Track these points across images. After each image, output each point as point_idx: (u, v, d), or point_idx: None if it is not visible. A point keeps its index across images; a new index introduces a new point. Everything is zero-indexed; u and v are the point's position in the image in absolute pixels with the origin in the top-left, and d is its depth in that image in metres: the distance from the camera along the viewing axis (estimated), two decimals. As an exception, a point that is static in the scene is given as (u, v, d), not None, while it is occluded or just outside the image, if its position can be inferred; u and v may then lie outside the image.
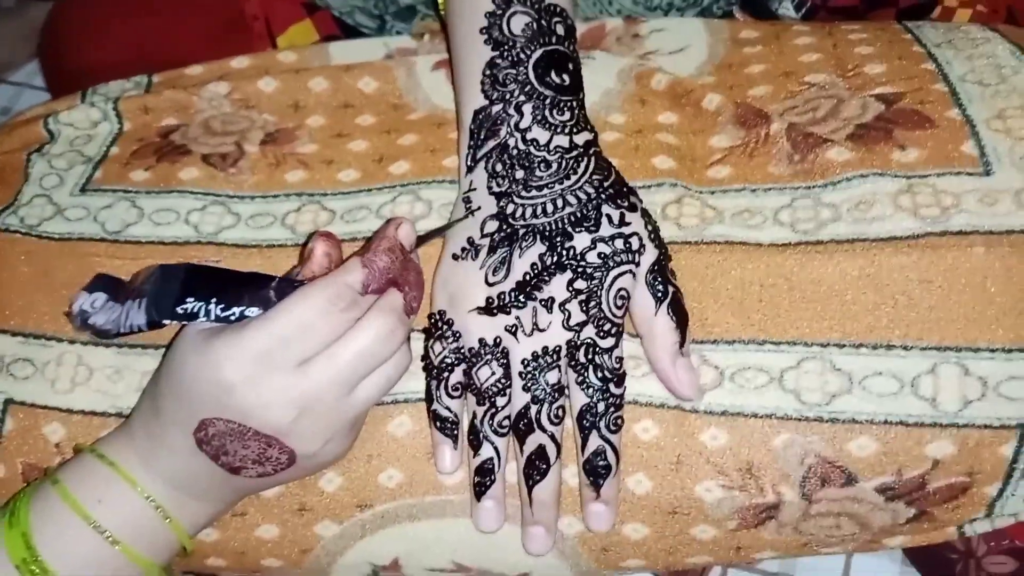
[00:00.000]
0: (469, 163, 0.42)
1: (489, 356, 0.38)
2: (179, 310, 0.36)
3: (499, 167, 0.41)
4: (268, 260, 0.44)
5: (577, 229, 0.39)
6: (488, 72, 0.42)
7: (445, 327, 0.39)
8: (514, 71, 0.41)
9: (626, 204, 0.39)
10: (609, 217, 0.39)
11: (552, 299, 0.38)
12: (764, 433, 0.38)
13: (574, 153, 0.40)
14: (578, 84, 0.42)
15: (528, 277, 0.38)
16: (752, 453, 0.38)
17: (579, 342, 0.38)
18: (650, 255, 0.39)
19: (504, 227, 0.40)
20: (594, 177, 0.40)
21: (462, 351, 0.39)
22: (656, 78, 0.48)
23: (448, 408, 0.39)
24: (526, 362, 0.38)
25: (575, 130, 0.41)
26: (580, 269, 0.38)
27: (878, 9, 0.57)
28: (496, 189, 0.40)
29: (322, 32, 0.64)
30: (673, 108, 0.47)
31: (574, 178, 0.40)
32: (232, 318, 0.36)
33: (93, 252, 0.45)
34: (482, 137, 0.41)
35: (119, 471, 0.37)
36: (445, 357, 0.39)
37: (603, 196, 0.39)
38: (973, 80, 0.43)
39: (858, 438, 0.37)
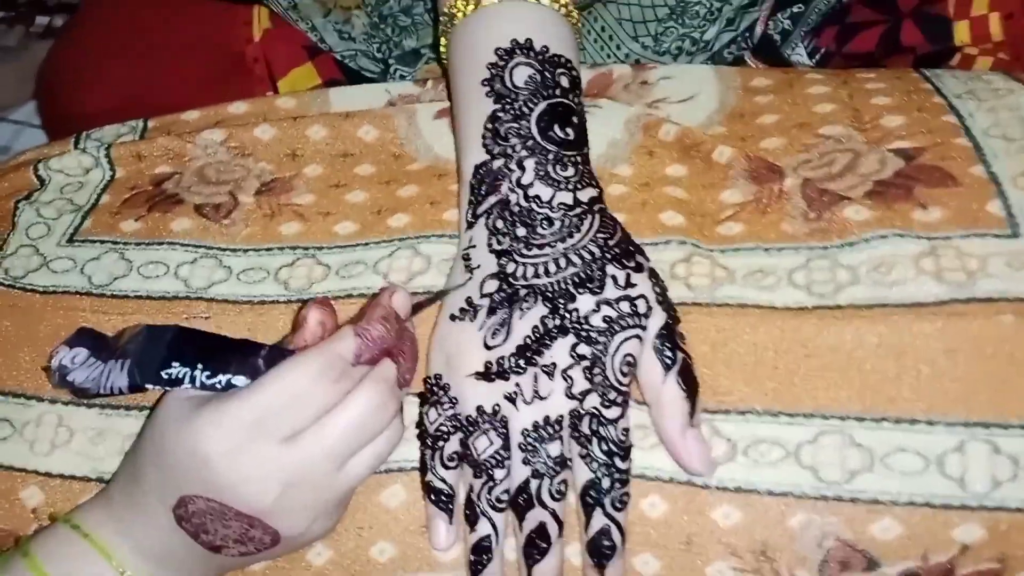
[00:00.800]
0: (469, 219, 0.40)
1: (487, 425, 0.36)
2: (163, 375, 0.34)
3: (500, 224, 0.39)
4: (259, 317, 0.42)
5: (580, 290, 0.37)
6: (489, 126, 0.40)
7: (441, 392, 0.37)
8: (516, 125, 0.40)
9: (632, 264, 0.37)
10: (614, 278, 0.37)
11: (554, 365, 0.36)
12: (780, 512, 0.35)
13: (578, 210, 0.39)
14: (582, 138, 0.41)
15: (529, 341, 0.36)
16: (767, 533, 0.35)
17: (583, 412, 0.36)
18: (658, 318, 0.37)
19: (504, 287, 0.38)
20: (599, 236, 0.38)
21: (459, 419, 0.37)
22: (664, 128, 0.46)
23: (443, 480, 0.37)
24: (526, 433, 0.36)
25: (579, 186, 0.39)
26: (584, 333, 0.36)
27: (894, 55, 0.55)
28: (496, 247, 0.39)
29: (324, 76, 0.63)
30: (682, 160, 0.45)
31: (577, 236, 0.38)
32: (218, 386, 0.34)
33: (78, 306, 0.43)
34: (483, 192, 0.40)
35: (95, 543, 0.35)
36: (441, 425, 0.37)
37: (608, 256, 0.37)
38: (997, 134, 0.41)
39: (881, 520, 0.34)
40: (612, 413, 0.35)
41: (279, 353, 0.35)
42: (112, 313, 0.43)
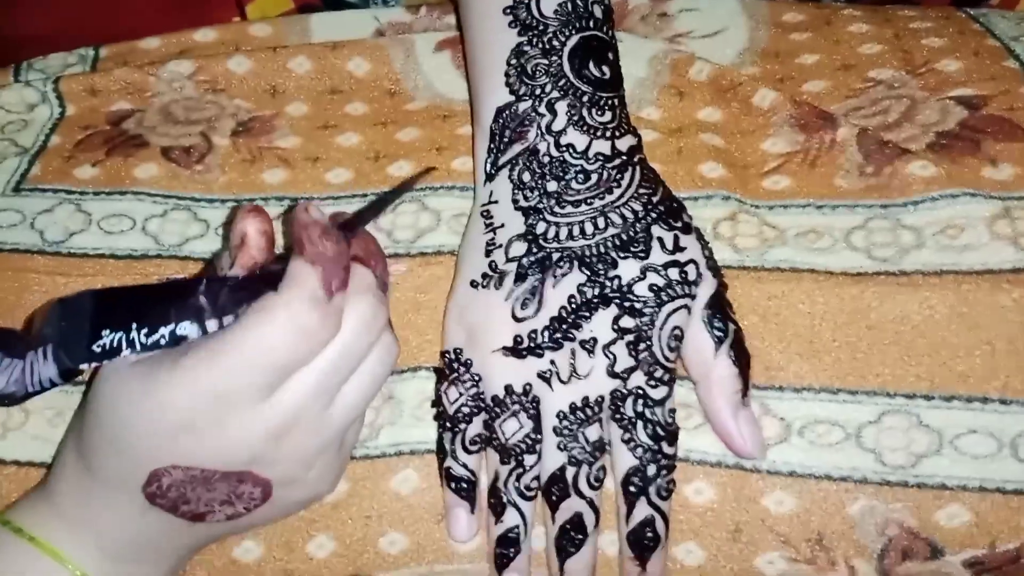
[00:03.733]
0: (490, 170, 0.35)
1: (517, 406, 0.32)
2: (95, 348, 0.29)
3: (527, 177, 0.34)
4: (244, 279, 0.37)
5: (623, 255, 0.32)
6: (514, 62, 0.35)
7: (463, 369, 0.33)
8: (546, 61, 0.34)
9: (679, 224, 0.33)
10: (661, 240, 0.33)
11: (594, 340, 0.32)
12: (839, 499, 0.32)
13: (616, 162, 0.34)
14: (619, 78, 0.36)
15: (565, 312, 0.32)
16: (824, 522, 0.32)
17: (626, 392, 0.32)
18: (708, 286, 0.33)
19: (534, 250, 0.33)
20: (641, 191, 0.33)
21: (483, 399, 0.33)
22: (697, 67, 0.42)
23: (465, 465, 0.33)
24: (562, 415, 0.32)
25: (617, 134, 0.34)
26: (628, 304, 0.32)
27: (931, -9, 0.51)
28: (523, 203, 0.34)
29: (299, 0, 0.56)
30: (716, 103, 0.41)
31: (617, 192, 0.33)
32: (163, 341, 0.29)
33: (29, 267, 0.37)
34: (506, 140, 0.35)
35: (42, 546, 0.30)
36: (462, 405, 0.33)
37: (653, 215, 0.33)
38: (1064, 82, 0.38)
39: (948, 506, 0.32)
40: (659, 393, 0.32)
41: (220, 285, 0.29)
42: (71, 274, 0.37)
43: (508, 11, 0.35)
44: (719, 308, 0.33)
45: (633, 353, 0.32)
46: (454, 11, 0.45)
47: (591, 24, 0.35)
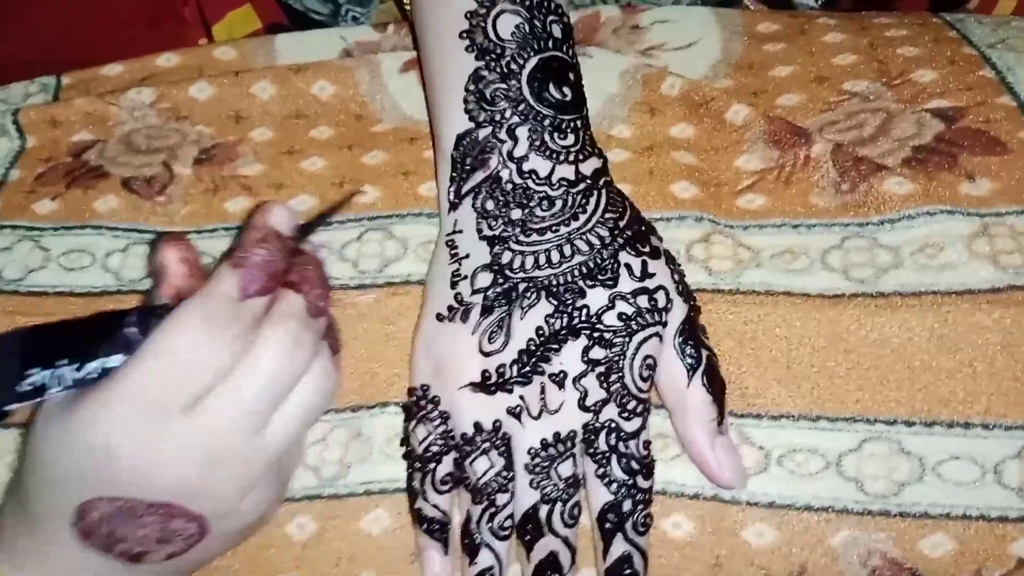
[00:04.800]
0: (452, 199, 0.34)
1: (487, 444, 0.31)
2: (25, 387, 0.27)
3: (490, 205, 0.33)
4: (207, 315, 0.36)
5: (591, 283, 0.32)
6: (472, 87, 0.34)
7: (430, 406, 0.32)
8: (504, 86, 0.33)
9: (647, 249, 0.32)
10: (629, 267, 0.32)
11: (564, 373, 0.31)
12: (820, 529, 0.31)
13: (581, 186, 0.33)
14: (580, 98, 0.35)
15: (533, 345, 0.31)
16: (806, 554, 0.31)
17: (598, 425, 0.31)
18: (678, 312, 0.32)
19: (500, 280, 0.32)
20: (607, 216, 0.33)
21: (452, 436, 0.32)
22: (668, 82, 0.41)
23: (436, 506, 0.32)
24: (534, 452, 0.31)
25: (581, 157, 0.34)
26: (597, 335, 0.31)
27: (907, -3, 0.50)
28: (488, 232, 0.33)
29: (266, 20, 0.55)
30: (689, 119, 0.40)
31: (583, 218, 0.33)
32: (93, 376, 0.28)
33: (-13, 307, 0.36)
34: (468, 167, 0.34)
35: None
36: (431, 444, 0.32)
37: (619, 240, 0.32)
38: (1042, 91, 0.37)
39: (932, 535, 0.31)
40: (632, 425, 0.31)
41: (150, 314, 0.28)
42: (30, 314, 0.36)
43: (464, 35, 0.34)
44: (691, 334, 0.32)
45: (604, 385, 0.31)
46: (410, 33, 0.44)
47: (550, 44, 0.34)
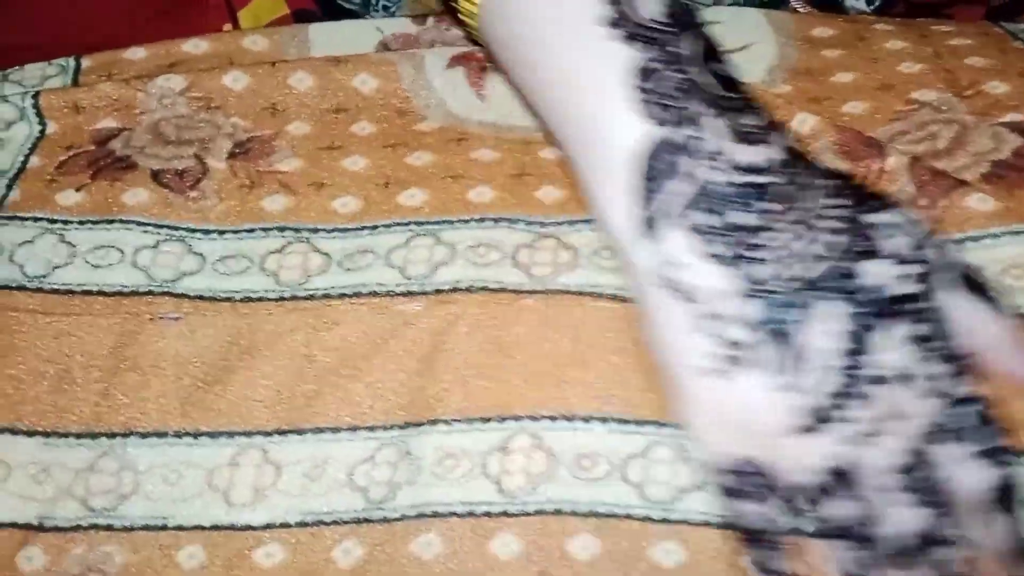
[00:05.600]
0: (647, 225, 0.29)
1: (834, 487, 0.27)
2: None
3: (707, 220, 0.28)
4: (243, 318, 0.34)
5: (857, 259, 0.27)
6: (643, 84, 0.28)
7: (758, 479, 0.28)
8: (680, 75, 0.28)
9: (877, 203, 0.28)
10: (872, 226, 0.28)
11: (881, 373, 0.27)
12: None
13: (784, 158, 0.29)
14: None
15: (836, 357, 0.27)
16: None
17: (942, 406, 0.27)
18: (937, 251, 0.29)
19: (761, 303, 0.27)
20: (820, 181, 0.29)
21: (782, 495, 0.28)
22: (726, 87, 0.39)
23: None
24: (902, 468, 0.27)
25: (769, 132, 0.29)
26: (906, 310, 0.27)
27: (962, 4, 0.49)
28: (721, 251, 0.28)
29: (293, 4, 0.53)
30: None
31: (802, 192, 0.28)
32: None
33: (8, 305, 0.34)
34: (660, 181, 0.28)
35: None
36: (768, 520, 0.28)
37: (849, 200, 0.28)
38: (1119, 106, 0.36)
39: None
40: (968, 391, 0.28)
41: None
42: (55, 313, 0.34)
43: (613, 22, 0.29)
44: (969, 268, 0.29)
45: (929, 360, 0.27)
46: (454, 27, 0.42)
47: (695, 18, 0.30)
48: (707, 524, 0.29)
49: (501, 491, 0.31)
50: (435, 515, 0.31)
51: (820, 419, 0.27)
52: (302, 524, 0.31)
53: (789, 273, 0.27)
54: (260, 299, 0.34)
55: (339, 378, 0.32)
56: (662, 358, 0.29)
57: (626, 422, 0.31)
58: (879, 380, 0.27)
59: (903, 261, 0.27)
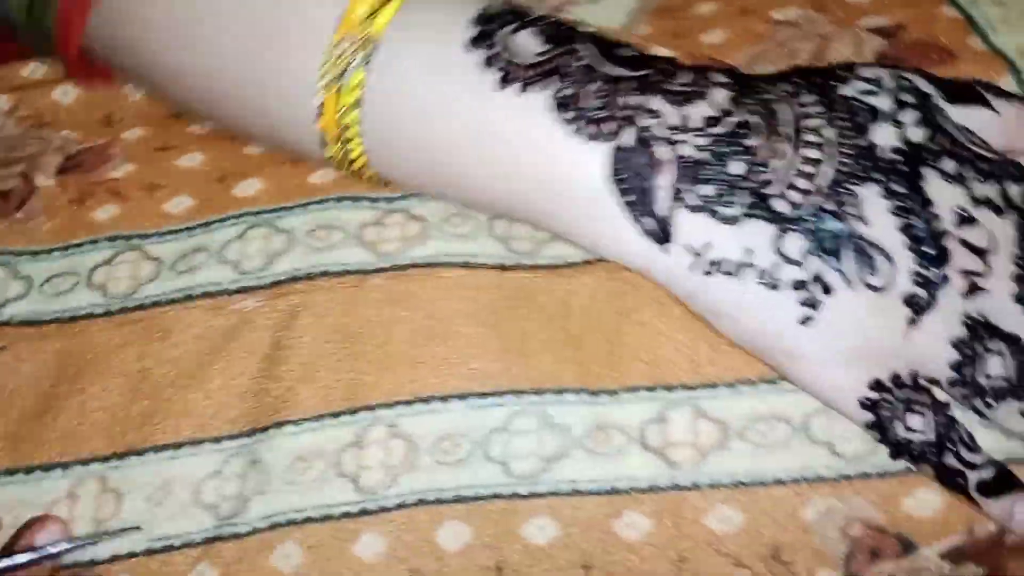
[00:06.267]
0: (658, 233, 0.26)
1: (975, 350, 0.26)
2: None
3: (705, 190, 0.26)
4: (72, 339, 0.31)
5: (861, 133, 0.26)
6: (565, 113, 0.26)
7: (891, 394, 0.26)
8: (595, 83, 0.27)
9: (838, 69, 0.28)
10: (863, 91, 0.27)
11: (943, 227, 0.26)
12: (791, 504, 0.27)
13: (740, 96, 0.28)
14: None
15: (900, 228, 0.26)
16: (777, 533, 0.27)
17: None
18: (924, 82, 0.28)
19: (795, 223, 0.26)
20: (785, 86, 0.28)
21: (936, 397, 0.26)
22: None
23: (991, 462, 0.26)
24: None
25: (703, 78, 0.28)
26: (937, 150, 0.26)
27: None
28: (734, 212, 0.26)
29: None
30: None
31: (779, 106, 0.27)
32: None
33: None
34: (638, 186, 0.27)
35: None
36: (940, 424, 0.26)
37: (819, 85, 0.27)
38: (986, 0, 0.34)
39: (915, 492, 0.27)
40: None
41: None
42: None
43: (505, 80, 0.27)
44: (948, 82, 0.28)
45: (979, 181, 0.26)
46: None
47: (570, 25, 0.28)
48: (577, 492, 0.27)
49: (359, 489, 0.28)
50: (291, 524, 0.28)
51: (921, 302, 0.25)
52: (150, 552, 0.28)
53: (806, 185, 0.26)
54: (88, 316, 0.32)
55: (176, 390, 0.30)
56: (755, 344, 0.27)
57: (485, 395, 0.28)
58: (945, 233, 0.26)
59: (897, 113, 0.26)
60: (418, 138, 0.28)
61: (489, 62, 0.27)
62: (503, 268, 0.31)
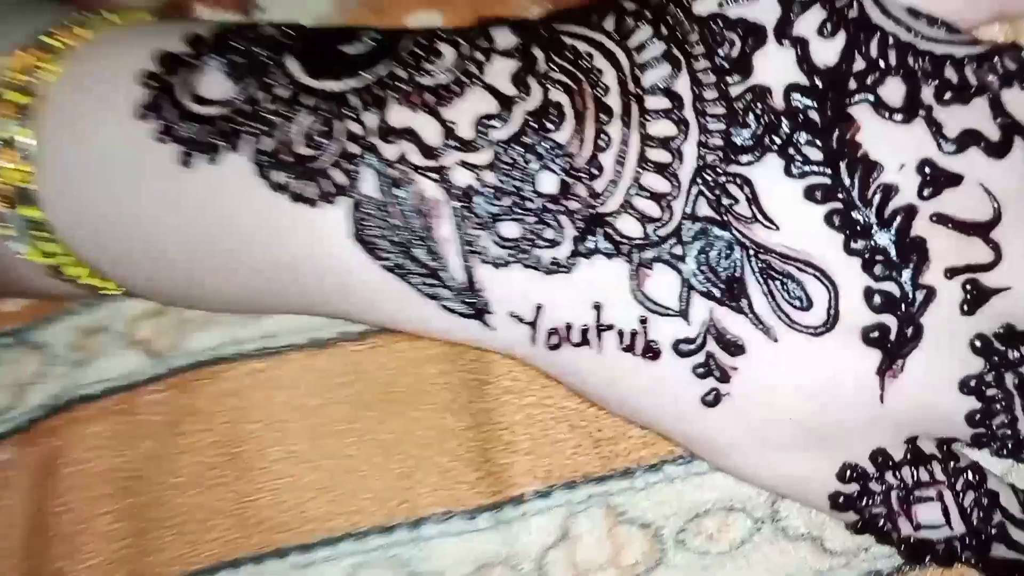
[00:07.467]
0: (470, 310, 0.18)
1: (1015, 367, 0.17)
2: None
3: (509, 231, 0.17)
4: None
5: (749, 54, 0.17)
6: (273, 176, 0.18)
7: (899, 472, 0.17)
8: (301, 134, 0.18)
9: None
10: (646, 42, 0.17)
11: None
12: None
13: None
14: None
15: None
16: None
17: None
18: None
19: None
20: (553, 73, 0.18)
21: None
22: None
23: None
24: None
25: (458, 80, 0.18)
26: (888, 64, 0.16)
27: None
28: (548, 244, 0.17)
29: None
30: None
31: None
32: None
33: None
34: (403, 245, 0.17)
35: None
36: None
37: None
38: None
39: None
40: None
41: None
42: None
43: (190, 154, 0.19)
44: None
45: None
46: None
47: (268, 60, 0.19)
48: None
49: None
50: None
51: (890, 335, 0.16)
52: None
53: (660, 184, 0.16)
54: None
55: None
56: (664, 432, 0.18)
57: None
58: (909, 210, 0.16)
59: (790, 24, 0.16)
60: (115, 223, 0.19)
61: (165, 133, 0.18)
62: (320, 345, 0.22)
